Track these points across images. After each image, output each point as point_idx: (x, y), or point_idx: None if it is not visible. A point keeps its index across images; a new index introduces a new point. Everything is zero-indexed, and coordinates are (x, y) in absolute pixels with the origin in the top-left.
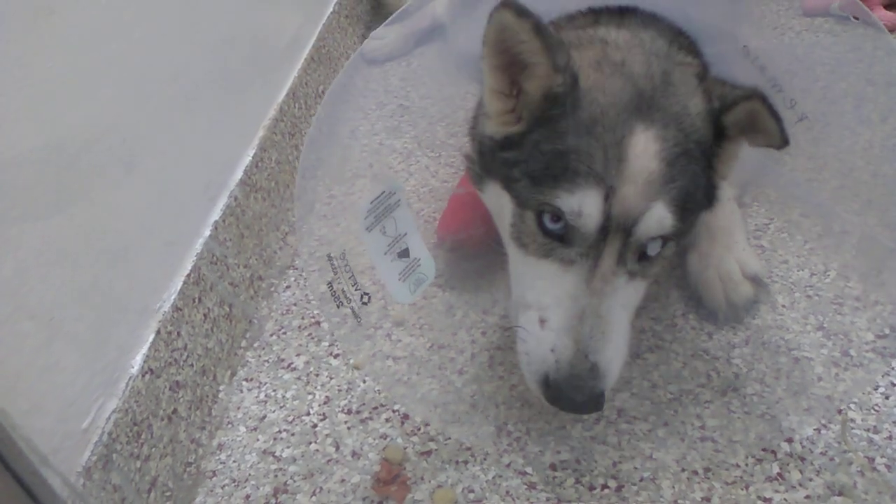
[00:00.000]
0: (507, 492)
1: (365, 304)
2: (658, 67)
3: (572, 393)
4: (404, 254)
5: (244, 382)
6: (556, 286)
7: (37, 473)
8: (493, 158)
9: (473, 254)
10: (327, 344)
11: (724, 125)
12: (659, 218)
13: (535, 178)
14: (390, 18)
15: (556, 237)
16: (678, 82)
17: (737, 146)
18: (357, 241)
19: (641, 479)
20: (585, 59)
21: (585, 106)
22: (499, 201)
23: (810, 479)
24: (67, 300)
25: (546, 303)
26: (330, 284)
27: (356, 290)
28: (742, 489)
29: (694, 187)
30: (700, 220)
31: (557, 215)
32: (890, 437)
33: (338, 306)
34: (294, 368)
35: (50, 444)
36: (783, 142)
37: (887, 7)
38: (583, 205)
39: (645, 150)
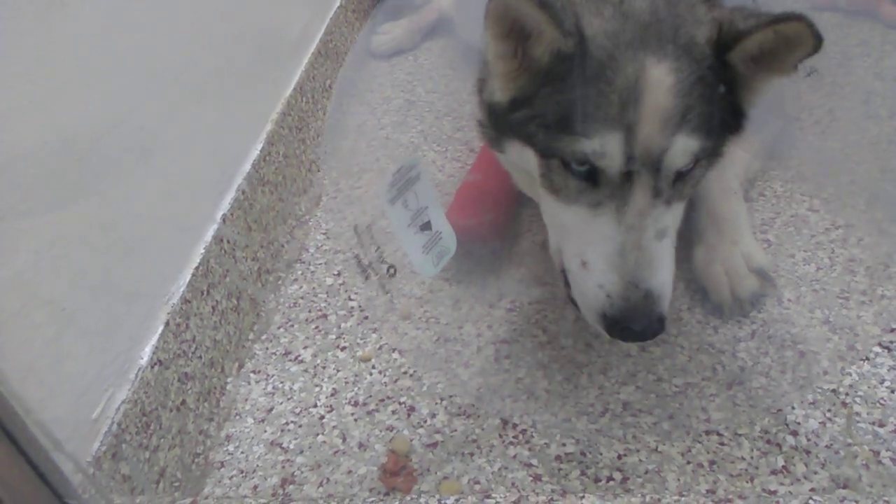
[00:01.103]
0: (513, 483)
1: (392, 276)
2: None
3: (631, 323)
4: (426, 227)
5: (252, 374)
6: (591, 228)
7: (49, 459)
8: (505, 120)
9: (480, 248)
10: (334, 336)
11: (733, 60)
12: (683, 149)
13: (552, 128)
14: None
15: (585, 179)
16: (684, 12)
17: (761, 76)
18: (380, 214)
19: (647, 472)
20: (585, 8)
21: (593, 54)
22: (522, 156)
23: (815, 472)
24: (79, 291)
25: (584, 245)
26: (357, 257)
27: (382, 262)
28: (747, 482)
29: (716, 111)
30: (730, 143)
31: (582, 160)
32: (895, 431)
33: (365, 279)
34: (301, 361)
35: (61, 434)
36: (815, 47)
37: None
38: (604, 148)
39: (659, 85)
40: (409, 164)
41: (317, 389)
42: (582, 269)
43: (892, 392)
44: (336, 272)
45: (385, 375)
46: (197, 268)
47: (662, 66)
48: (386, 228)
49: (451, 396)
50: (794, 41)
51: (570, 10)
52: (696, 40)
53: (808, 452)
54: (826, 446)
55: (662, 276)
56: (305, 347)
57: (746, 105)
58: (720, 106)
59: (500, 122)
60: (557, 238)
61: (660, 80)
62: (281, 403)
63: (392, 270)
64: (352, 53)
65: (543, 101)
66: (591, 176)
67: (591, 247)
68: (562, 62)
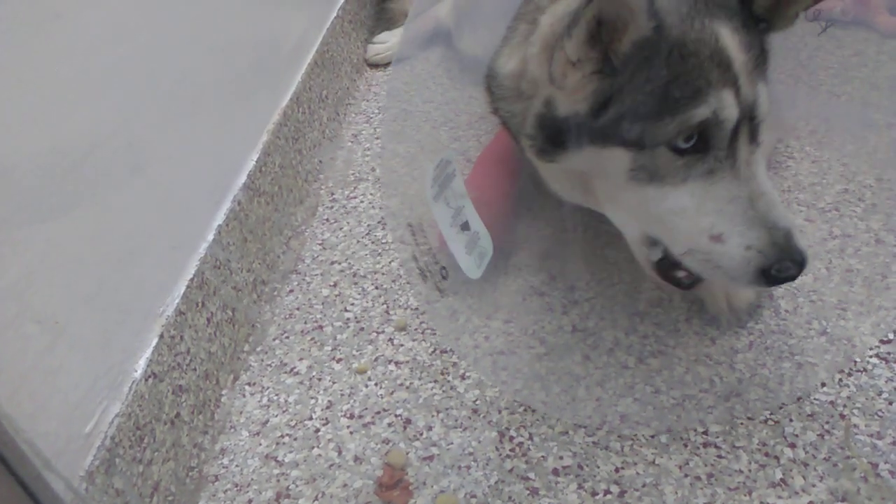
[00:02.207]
0: (510, 497)
1: (444, 277)
2: None
3: (795, 264)
4: (466, 226)
5: (247, 387)
6: (710, 198)
7: (40, 477)
8: (580, 130)
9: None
10: (330, 348)
11: (758, 11)
12: (764, 94)
13: (651, 116)
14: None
15: (694, 153)
16: None
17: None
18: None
19: (644, 485)
20: None
21: (667, 31)
22: (599, 160)
23: (813, 485)
24: (72, 304)
25: (710, 221)
26: (415, 257)
27: (436, 263)
28: (745, 495)
29: (763, 57)
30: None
31: (692, 134)
32: (894, 443)
33: (424, 280)
34: (297, 373)
35: (53, 448)
36: None
37: None
38: (721, 106)
39: (734, 44)
40: (446, 158)
41: (312, 402)
42: (716, 243)
43: (891, 404)
44: (332, 283)
45: (381, 388)
46: (191, 280)
47: (727, 28)
48: (430, 227)
49: (447, 409)
50: None
51: None
52: (731, 2)
53: (806, 465)
54: (824, 459)
55: (786, 211)
56: (301, 359)
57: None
58: (763, 52)
59: (572, 133)
60: (656, 232)
61: (733, 39)
62: (276, 416)
63: (444, 272)
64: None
65: (632, 94)
66: (699, 147)
67: (718, 216)
68: (641, 49)
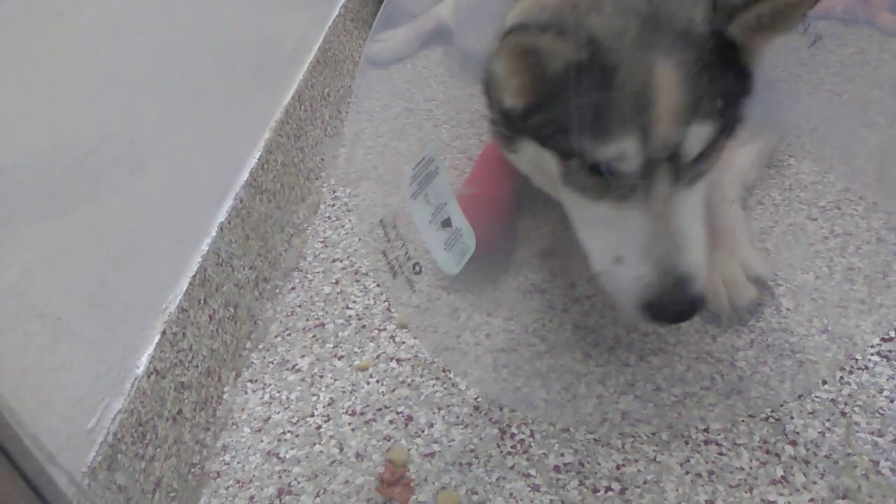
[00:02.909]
0: (511, 494)
1: (417, 273)
2: None
3: (671, 306)
4: (447, 223)
5: (249, 384)
6: (619, 222)
7: (43, 472)
8: (520, 124)
9: (478, 257)
10: (332, 345)
11: (733, 33)
12: (698, 136)
13: (570, 131)
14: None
15: (608, 176)
16: None
17: (762, 39)
18: (402, 208)
19: (645, 482)
20: (586, 5)
21: (601, 56)
22: (539, 157)
23: (814, 483)
24: (74, 301)
25: (615, 241)
26: (384, 253)
27: (408, 259)
28: (746, 492)
29: (725, 87)
30: (744, 107)
31: (602, 161)
32: (895, 441)
33: (394, 276)
34: (298, 370)
35: (56, 444)
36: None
37: None
38: (622, 151)
39: (667, 81)
40: (429, 155)
41: (314, 399)
42: (617, 265)
43: (892, 402)
44: (334, 280)
45: (382, 385)
46: (194, 277)
47: (667, 62)
48: (408, 223)
49: (448, 406)
50: (792, 3)
51: (584, 27)
52: (695, 22)
53: (807, 462)
54: (825, 456)
55: (693, 258)
56: (303, 356)
57: (751, 67)
58: (727, 80)
59: (515, 124)
60: (588, 238)
61: (667, 76)
62: (278, 413)
63: (418, 268)
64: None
65: (558, 106)
66: (613, 173)
67: (623, 241)
68: (574, 69)
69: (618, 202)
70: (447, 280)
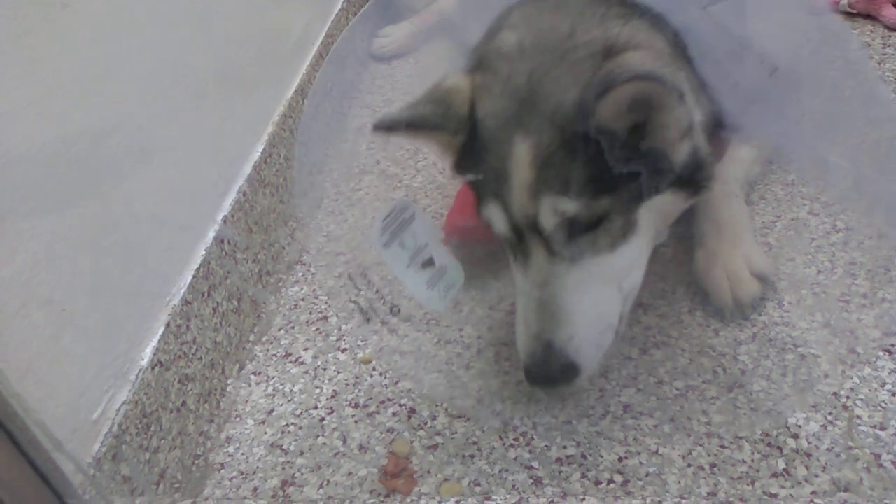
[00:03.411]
0: (514, 486)
1: (396, 314)
2: (547, 61)
3: (536, 373)
4: (429, 263)
5: (252, 376)
6: (515, 281)
7: (50, 459)
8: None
9: (480, 249)
10: (335, 338)
11: (596, 123)
12: (553, 209)
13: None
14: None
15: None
16: (565, 73)
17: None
18: (375, 254)
19: (647, 475)
20: (483, 86)
21: (481, 135)
22: None
23: (816, 475)
24: (79, 292)
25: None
26: (355, 302)
27: (384, 303)
28: (748, 484)
29: (597, 170)
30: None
31: None
32: None
33: (367, 321)
34: (302, 363)
35: (61, 435)
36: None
37: None
38: (491, 218)
39: (522, 160)
40: (400, 206)
41: (317, 391)
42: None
43: (894, 395)
44: (337, 274)
45: (386, 377)
46: (198, 269)
47: (525, 141)
48: (384, 269)
49: (451, 398)
50: (655, 104)
51: (454, 114)
52: (562, 106)
53: (809, 456)
54: (827, 449)
55: (567, 329)
56: (306, 349)
57: (670, 148)
58: (601, 164)
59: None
60: None
61: (522, 155)
62: (281, 405)
63: (396, 310)
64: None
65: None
66: (498, 236)
67: (517, 301)
68: (460, 144)
69: (513, 264)
70: (394, 319)
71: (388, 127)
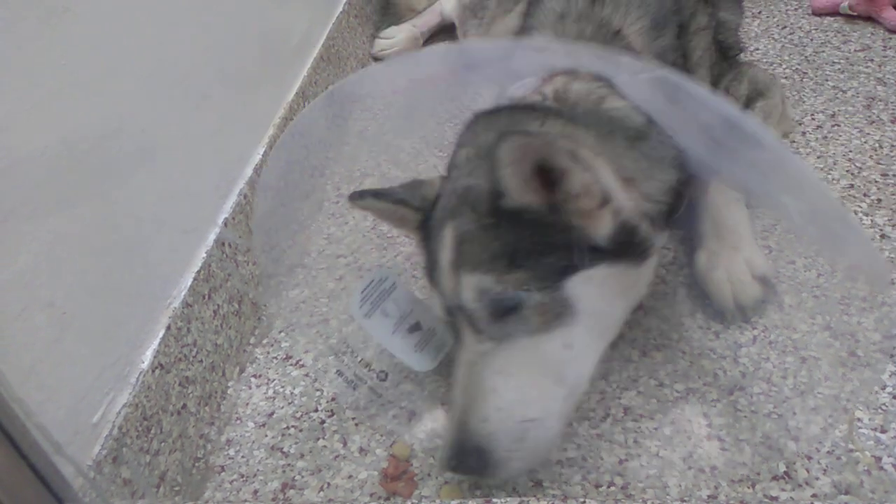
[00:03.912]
0: (514, 489)
1: (383, 380)
2: (480, 166)
3: (450, 452)
4: (415, 327)
5: (253, 379)
6: None
7: (50, 463)
8: None
9: None
10: (335, 341)
11: (512, 202)
12: (472, 288)
13: None
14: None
15: None
16: (486, 167)
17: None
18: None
19: (648, 477)
20: (442, 187)
21: (431, 227)
22: None
23: (817, 478)
24: (80, 295)
25: None
26: (339, 372)
27: (369, 370)
28: (749, 487)
29: (512, 246)
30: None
31: None
32: None
33: (354, 389)
34: (302, 365)
35: (61, 437)
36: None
37: None
38: (434, 303)
39: (446, 243)
40: (378, 277)
41: (317, 394)
42: None
43: (894, 398)
44: (338, 277)
45: (387, 380)
46: (198, 272)
47: (450, 227)
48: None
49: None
50: (557, 172)
51: (416, 195)
52: (476, 189)
53: (809, 458)
54: (828, 452)
55: (483, 410)
56: (306, 352)
57: (595, 231)
58: (521, 243)
59: None
60: None
61: (446, 238)
62: (282, 408)
63: (383, 375)
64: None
65: None
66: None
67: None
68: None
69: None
70: (384, 384)
71: (359, 197)
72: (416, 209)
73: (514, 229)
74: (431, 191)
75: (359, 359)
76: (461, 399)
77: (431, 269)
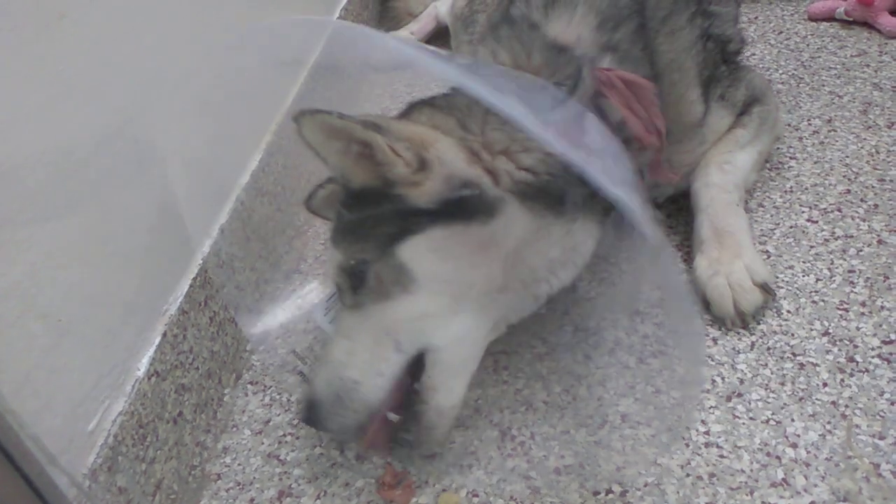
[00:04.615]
0: (512, 496)
1: None
2: None
3: (301, 409)
4: None
5: (249, 386)
6: None
7: (44, 473)
8: None
9: None
10: (300, 349)
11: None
12: (333, 265)
13: None
14: None
15: None
16: None
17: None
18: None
19: (646, 485)
20: None
21: None
22: None
23: (815, 485)
24: (75, 302)
25: None
26: (301, 373)
27: None
28: (747, 494)
29: (356, 222)
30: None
31: None
32: (895, 443)
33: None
34: (299, 372)
35: (57, 446)
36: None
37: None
38: None
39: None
40: None
41: None
42: None
43: (892, 404)
44: (300, 368)
45: None
46: (195, 278)
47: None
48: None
49: None
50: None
51: None
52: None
53: (807, 465)
54: (826, 459)
55: (322, 371)
56: (303, 358)
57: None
58: (361, 217)
59: None
60: None
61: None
62: (278, 415)
63: None
64: None
65: None
66: None
67: None
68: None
69: None
70: None
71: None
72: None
73: (359, 206)
74: None
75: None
76: (318, 362)
77: None
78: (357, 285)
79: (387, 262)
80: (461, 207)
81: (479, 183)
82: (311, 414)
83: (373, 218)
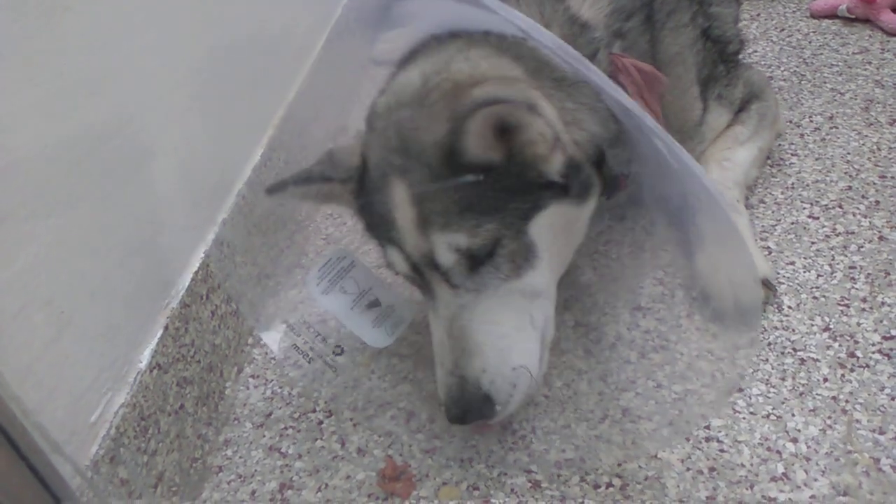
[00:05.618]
0: (512, 489)
1: (338, 354)
2: (408, 112)
3: (452, 407)
4: (374, 304)
5: (251, 379)
6: (430, 320)
7: (48, 462)
8: None
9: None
10: (333, 341)
11: (470, 154)
12: (446, 246)
13: None
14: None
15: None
16: (424, 117)
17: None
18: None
19: (646, 478)
20: (366, 143)
21: (367, 174)
22: None
23: (815, 480)
24: (78, 295)
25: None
26: (295, 346)
27: (326, 344)
28: (747, 489)
29: (476, 198)
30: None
31: None
32: (895, 438)
33: (308, 362)
34: (300, 366)
35: (59, 437)
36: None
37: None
38: (392, 260)
39: (401, 200)
40: (336, 255)
41: (315, 394)
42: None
43: (893, 399)
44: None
45: (384, 381)
46: (196, 272)
47: (400, 183)
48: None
49: None
50: (514, 125)
51: (355, 151)
52: (426, 146)
53: (808, 459)
54: (826, 453)
55: (478, 362)
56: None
57: (546, 165)
58: (484, 192)
59: None
60: None
61: (399, 195)
62: (280, 408)
63: (339, 349)
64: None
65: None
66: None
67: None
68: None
69: (427, 304)
70: (339, 358)
71: (278, 188)
72: (344, 181)
73: (472, 182)
74: (352, 157)
75: (315, 334)
76: (451, 354)
77: (384, 229)
78: (475, 266)
79: (521, 239)
80: (572, 184)
81: (583, 162)
82: (483, 409)
83: (501, 194)
